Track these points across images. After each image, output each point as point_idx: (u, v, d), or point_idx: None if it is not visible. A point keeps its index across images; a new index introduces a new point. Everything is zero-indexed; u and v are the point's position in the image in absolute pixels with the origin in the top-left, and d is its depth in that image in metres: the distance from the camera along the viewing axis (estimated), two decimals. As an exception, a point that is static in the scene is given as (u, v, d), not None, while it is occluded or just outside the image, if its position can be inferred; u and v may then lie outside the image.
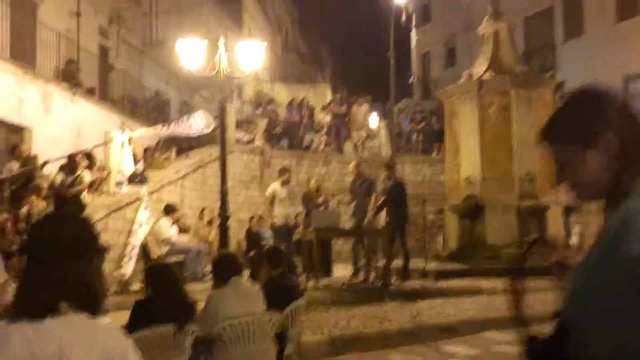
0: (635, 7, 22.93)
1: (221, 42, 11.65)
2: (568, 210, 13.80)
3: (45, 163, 11.30)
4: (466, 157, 13.76)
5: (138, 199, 11.90)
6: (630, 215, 1.49)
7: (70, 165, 11.28)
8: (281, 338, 5.32)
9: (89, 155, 12.15)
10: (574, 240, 15.50)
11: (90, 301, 1.79)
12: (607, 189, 1.61)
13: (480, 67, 14.37)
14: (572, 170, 1.64)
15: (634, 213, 1.49)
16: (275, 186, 12.42)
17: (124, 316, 5.14)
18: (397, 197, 11.19)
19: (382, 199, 11.32)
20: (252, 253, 13.41)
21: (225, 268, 5.31)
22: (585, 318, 1.53)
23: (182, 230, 12.53)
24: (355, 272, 11.42)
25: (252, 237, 14.44)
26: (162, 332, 4.42)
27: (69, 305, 1.72)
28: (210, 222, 13.29)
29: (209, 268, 11.23)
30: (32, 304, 1.71)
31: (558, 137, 1.67)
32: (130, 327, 4.57)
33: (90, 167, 11.73)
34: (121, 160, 11.93)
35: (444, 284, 10.80)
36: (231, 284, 5.11)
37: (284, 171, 12.79)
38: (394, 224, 11.11)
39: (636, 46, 22.09)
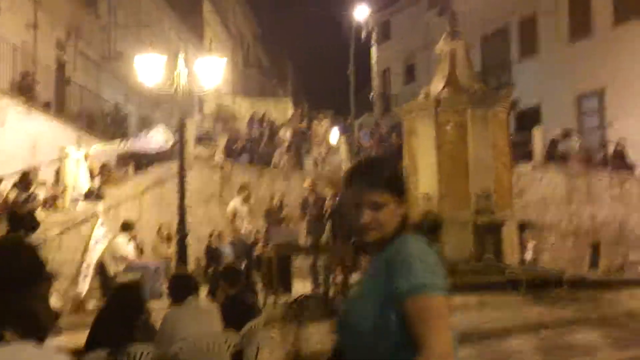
0: (588, 28, 23.67)
1: (180, 57, 11.61)
2: (522, 227, 14.10)
3: (0, 180, 11.10)
4: (424, 174, 13.94)
5: (94, 216, 11.74)
6: (394, 258, 1.90)
7: (24, 182, 11.09)
8: (238, 358, 5.31)
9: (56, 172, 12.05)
10: (529, 255, 15.85)
11: (36, 328, 1.79)
12: (388, 237, 1.98)
13: (437, 85, 14.60)
14: (385, 214, 1.97)
15: (397, 255, 1.89)
16: (235, 203, 12.40)
17: (79, 336, 5.09)
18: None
19: (328, 213, 11.49)
20: (211, 270, 13.35)
21: (181, 288, 5.30)
22: (358, 341, 1.91)
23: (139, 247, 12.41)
24: (315, 288, 11.45)
25: (212, 254, 14.35)
26: (96, 357, 4.38)
27: (14, 333, 1.71)
28: (168, 239, 13.18)
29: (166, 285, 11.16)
30: None
31: (380, 185, 1.99)
32: (87, 347, 4.54)
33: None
34: (77, 177, 11.76)
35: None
36: (187, 303, 5.11)
37: (243, 189, 12.78)
38: (345, 241, 11.21)
39: (588, 66, 22.77)
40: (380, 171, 2.02)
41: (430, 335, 1.81)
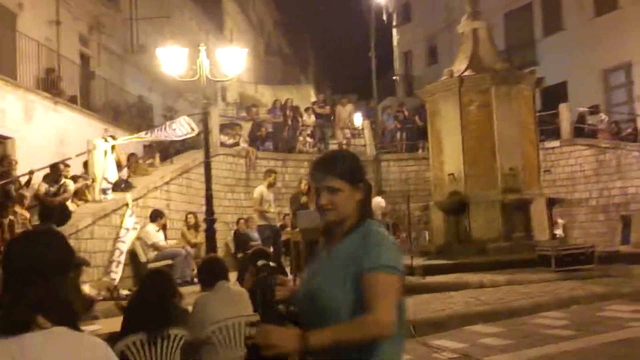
0: (613, 2, 23.21)
1: (202, 49, 11.74)
2: (552, 203, 13.96)
3: (31, 173, 11.29)
4: (449, 154, 13.87)
5: (124, 206, 11.90)
6: (363, 243, 2.24)
7: (53, 174, 11.27)
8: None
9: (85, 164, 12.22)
10: (559, 231, 15.70)
11: (67, 315, 1.84)
12: (348, 218, 2.33)
13: (460, 65, 14.47)
14: (340, 198, 2.31)
15: (364, 241, 2.24)
16: (261, 188, 12.47)
17: (114, 322, 5.18)
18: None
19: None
20: (240, 255, 13.47)
21: (210, 273, 5.35)
22: (325, 318, 2.15)
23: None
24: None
25: (240, 239, 14.48)
26: (135, 340, 4.46)
27: (47, 319, 1.76)
28: (195, 226, 13.32)
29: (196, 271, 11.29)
30: (9, 321, 1.75)
31: (336, 173, 2.33)
32: (123, 333, 4.62)
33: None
34: (105, 168, 11.91)
35: (431, 279, 10.88)
36: (217, 288, 5.16)
37: (269, 173, 12.84)
38: None
39: (614, 40, 22.36)
40: (336, 162, 2.38)
41: (378, 303, 2.10)
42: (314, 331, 2.08)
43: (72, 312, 1.88)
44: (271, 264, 2.67)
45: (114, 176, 12.18)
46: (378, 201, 16.80)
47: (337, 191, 2.32)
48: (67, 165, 12.17)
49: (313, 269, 2.39)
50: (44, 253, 1.88)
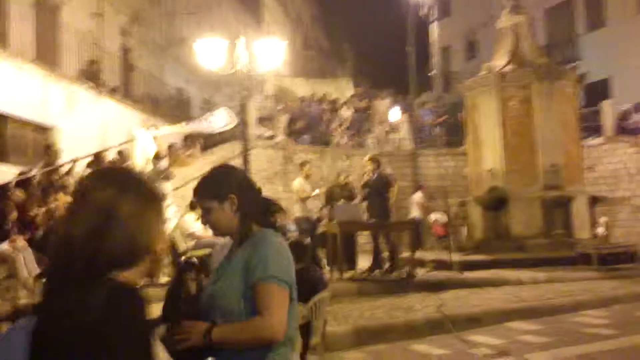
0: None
1: (240, 42, 11.77)
2: (594, 201, 13.71)
3: (74, 161, 11.50)
4: (488, 150, 13.73)
5: (163, 195, 12.03)
6: (254, 253, 2.38)
7: (97, 163, 11.47)
8: (306, 329, 5.37)
9: (120, 152, 12.37)
10: (600, 230, 15.42)
11: None
12: (236, 229, 2.50)
13: (500, 61, 14.31)
14: (213, 216, 2.50)
15: (255, 251, 2.38)
16: (300, 180, 12.48)
17: (153, 308, 5.25)
18: (380, 190, 11.28)
19: (366, 191, 11.43)
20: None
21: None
22: (226, 319, 2.33)
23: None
24: (378, 265, 11.45)
25: (277, 230, 14.51)
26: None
27: None
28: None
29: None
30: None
31: (204, 194, 2.53)
32: (162, 319, 4.67)
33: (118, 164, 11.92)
34: (148, 158, 12.06)
35: (469, 275, 10.79)
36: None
37: (303, 164, 12.85)
38: (377, 217, 11.14)
39: (659, 36, 21.82)
40: (203, 184, 2.58)
41: (268, 310, 2.30)
42: (216, 327, 2.30)
43: None
44: (194, 260, 2.75)
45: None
46: (416, 197, 16.71)
47: (209, 210, 2.52)
48: (121, 153, 12.33)
49: (218, 273, 2.54)
50: None
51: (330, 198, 12.43)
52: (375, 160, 12.03)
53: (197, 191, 2.60)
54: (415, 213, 16.17)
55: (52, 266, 1.60)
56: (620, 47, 23.11)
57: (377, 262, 11.43)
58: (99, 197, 1.54)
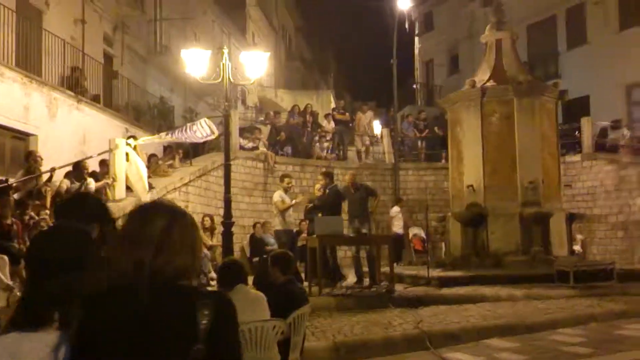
0: (638, 16, 22.99)
1: (225, 52, 11.79)
2: (571, 218, 13.84)
3: (53, 170, 11.37)
4: (469, 165, 13.80)
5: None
6: None
7: (76, 172, 11.35)
8: (285, 345, 5.35)
9: (102, 162, 12.29)
10: (578, 247, 15.57)
11: None
12: None
13: (482, 75, 14.42)
14: None
15: None
16: (280, 192, 12.47)
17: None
18: (332, 203, 11.37)
19: (310, 207, 11.58)
20: (256, 259, 13.46)
21: (230, 275, 5.34)
22: None
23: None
24: (358, 280, 11.46)
25: (256, 243, 14.48)
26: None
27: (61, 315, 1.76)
28: (211, 229, 13.34)
29: (212, 274, 11.28)
30: (27, 315, 1.75)
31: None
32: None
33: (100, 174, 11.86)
34: (138, 167, 11.96)
35: (448, 291, 10.82)
36: (236, 291, 5.15)
37: (283, 178, 12.86)
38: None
39: (638, 55, 22.13)
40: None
41: None
42: None
43: None
44: None
45: (146, 175, 12.27)
46: (393, 211, 16.75)
47: None
48: (103, 163, 12.24)
49: None
50: (63, 249, 1.89)
51: (309, 211, 12.45)
52: (328, 174, 12.16)
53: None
54: (396, 228, 16.19)
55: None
56: (600, 64, 23.42)
57: (358, 277, 11.44)
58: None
